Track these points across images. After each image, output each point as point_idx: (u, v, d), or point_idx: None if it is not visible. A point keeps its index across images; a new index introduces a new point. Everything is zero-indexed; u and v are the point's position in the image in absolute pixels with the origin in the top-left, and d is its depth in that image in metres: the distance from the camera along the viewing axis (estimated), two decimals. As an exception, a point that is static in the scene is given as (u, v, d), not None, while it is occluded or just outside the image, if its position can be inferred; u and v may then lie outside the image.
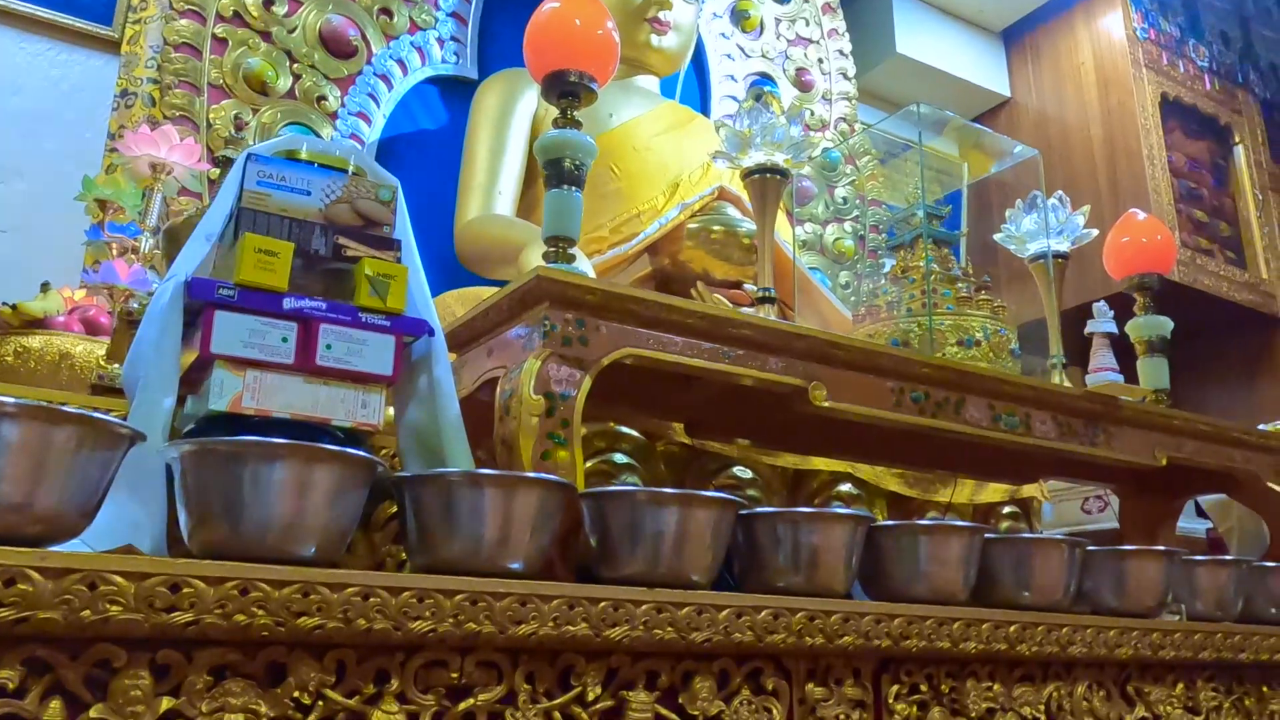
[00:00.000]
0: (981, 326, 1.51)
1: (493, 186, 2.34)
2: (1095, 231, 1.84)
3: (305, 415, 0.99)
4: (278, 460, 0.79)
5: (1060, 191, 1.83)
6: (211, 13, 2.29)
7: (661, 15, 2.64)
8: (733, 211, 2.25)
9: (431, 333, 1.08)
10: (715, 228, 2.18)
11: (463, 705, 0.85)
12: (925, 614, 1.10)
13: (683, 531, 0.97)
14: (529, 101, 2.51)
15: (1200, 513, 2.60)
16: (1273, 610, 1.53)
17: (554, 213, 1.26)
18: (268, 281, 0.98)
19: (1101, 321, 2.72)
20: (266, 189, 1.03)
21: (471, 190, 2.35)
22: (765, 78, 3.24)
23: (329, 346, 1.00)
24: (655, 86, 2.80)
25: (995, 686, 1.19)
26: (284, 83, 2.35)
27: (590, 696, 0.91)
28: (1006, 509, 2.06)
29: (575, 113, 1.32)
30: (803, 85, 3.31)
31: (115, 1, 2.41)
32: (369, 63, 2.50)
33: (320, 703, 0.80)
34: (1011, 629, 1.17)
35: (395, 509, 1.05)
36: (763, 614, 0.98)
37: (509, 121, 2.46)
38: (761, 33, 3.27)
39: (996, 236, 1.84)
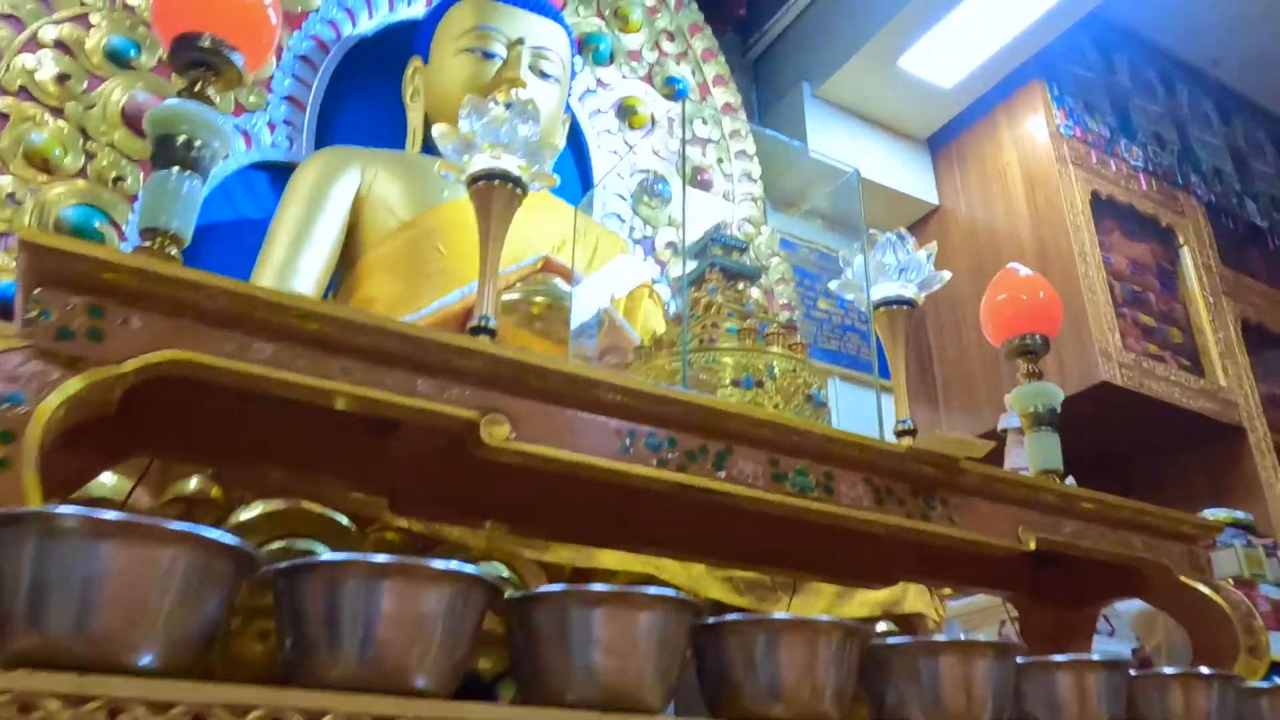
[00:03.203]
0: (768, 365, 1.19)
1: (290, 264, 2.07)
2: (948, 274, 1.54)
3: None
4: None
5: (902, 229, 1.54)
6: (-9, 86, 2.08)
7: (513, 94, 2.43)
8: (563, 285, 1.97)
9: None
10: (537, 299, 1.89)
11: None
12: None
13: (394, 617, 0.66)
14: (351, 178, 2.27)
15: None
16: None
17: (153, 198, 0.97)
18: None
19: (1013, 415, 2.39)
20: None
21: (265, 268, 2.07)
22: (657, 177, 3.03)
23: None
24: (516, 173, 2.57)
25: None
26: (73, 161, 2.12)
27: None
28: (881, 628, 1.67)
29: (210, 89, 1.06)
30: (700, 185, 3.10)
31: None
32: (183, 143, 2.28)
33: None
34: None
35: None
36: None
37: (325, 197, 2.21)
38: (652, 129, 3.08)
39: (832, 285, 1.54)
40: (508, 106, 1.20)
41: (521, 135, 1.21)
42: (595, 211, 2.87)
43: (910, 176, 3.80)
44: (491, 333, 1.13)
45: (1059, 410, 1.65)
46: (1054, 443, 1.60)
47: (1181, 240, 3.63)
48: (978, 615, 2.08)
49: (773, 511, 1.09)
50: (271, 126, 2.44)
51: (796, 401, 1.18)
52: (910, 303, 1.49)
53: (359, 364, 0.89)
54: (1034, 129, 3.48)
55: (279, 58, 2.49)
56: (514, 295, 1.89)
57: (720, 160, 3.18)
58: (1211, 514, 1.82)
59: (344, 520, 1.22)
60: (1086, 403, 3.09)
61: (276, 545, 1.19)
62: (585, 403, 0.99)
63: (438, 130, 1.24)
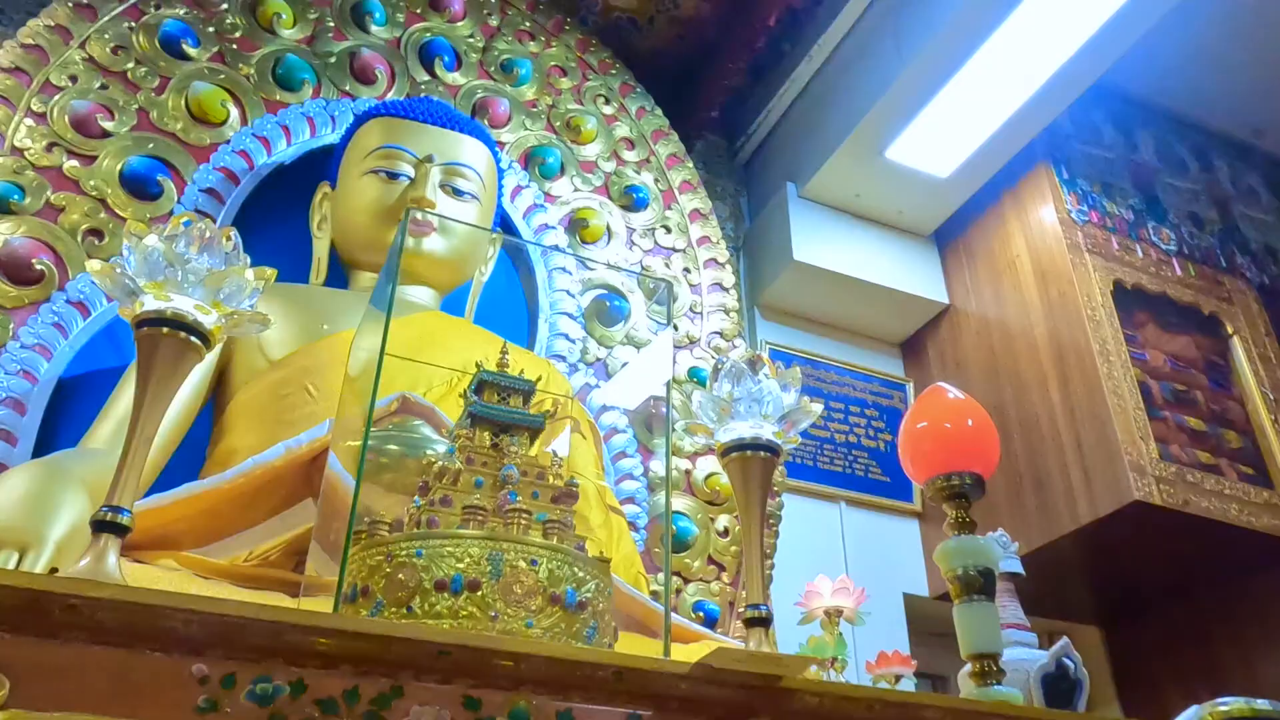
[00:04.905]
0: (493, 555, 0.88)
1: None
2: (818, 408, 1.22)
3: None
4: None
5: (761, 354, 1.23)
6: None
7: (418, 215, 2.22)
8: (427, 431, 1.70)
9: None
10: (390, 446, 1.62)
11: None
12: None
13: None
14: (224, 319, 2.06)
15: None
16: None
17: None
18: None
19: (1007, 557, 2.00)
20: None
21: (104, 420, 1.84)
22: (613, 292, 2.76)
23: None
24: (432, 300, 2.34)
25: None
26: (-74, 310, 1.97)
27: None
28: None
29: None
30: (659, 298, 2.82)
31: None
32: (61, 289, 2.11)
33: None
34: None
35: None
36: None
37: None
38: (609, 242, 2.84)
39: (679, 425, 1.23)
40: (169, 238, 0.95)
41: (219, 275, 0.95)
42: (539, 334, 2.62)
43: (916, 275, 3.47)
44: (121, 530, 0.86)
45: (996, 574, 1.29)
46: (988, 617, 1.25)
47: (1230, 329, 3.20)
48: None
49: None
50: (166, 265, 2.26)
51: (535, 605, 0.86)
52: (769, 448, 1.17)
53: None
54: (1043, 216, 3.14)
55: (180, 193, 2.34)
56: (359, 444, 1.62)
57: (687, 270, 2.91)
58: (1226, 704, 1.38)
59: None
60: (1120, 527, 2.65)
61: None
62: (144, 637, 0.70)
63: (91, 266, 0.99)
